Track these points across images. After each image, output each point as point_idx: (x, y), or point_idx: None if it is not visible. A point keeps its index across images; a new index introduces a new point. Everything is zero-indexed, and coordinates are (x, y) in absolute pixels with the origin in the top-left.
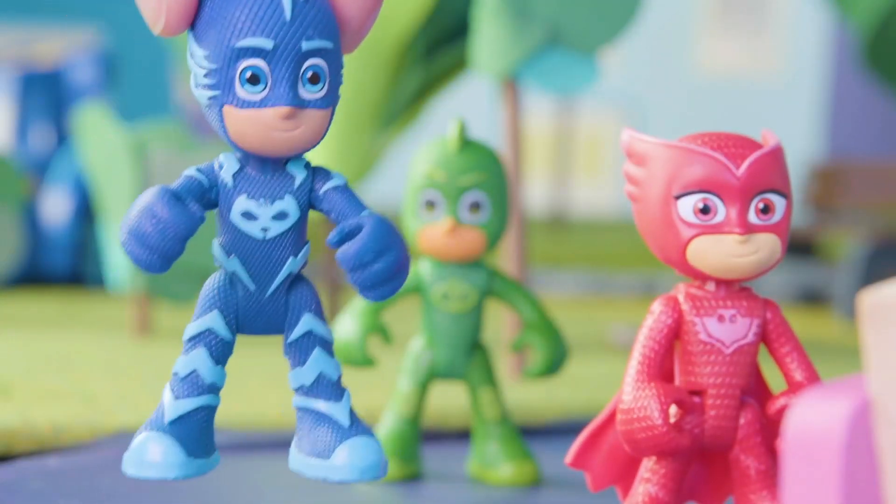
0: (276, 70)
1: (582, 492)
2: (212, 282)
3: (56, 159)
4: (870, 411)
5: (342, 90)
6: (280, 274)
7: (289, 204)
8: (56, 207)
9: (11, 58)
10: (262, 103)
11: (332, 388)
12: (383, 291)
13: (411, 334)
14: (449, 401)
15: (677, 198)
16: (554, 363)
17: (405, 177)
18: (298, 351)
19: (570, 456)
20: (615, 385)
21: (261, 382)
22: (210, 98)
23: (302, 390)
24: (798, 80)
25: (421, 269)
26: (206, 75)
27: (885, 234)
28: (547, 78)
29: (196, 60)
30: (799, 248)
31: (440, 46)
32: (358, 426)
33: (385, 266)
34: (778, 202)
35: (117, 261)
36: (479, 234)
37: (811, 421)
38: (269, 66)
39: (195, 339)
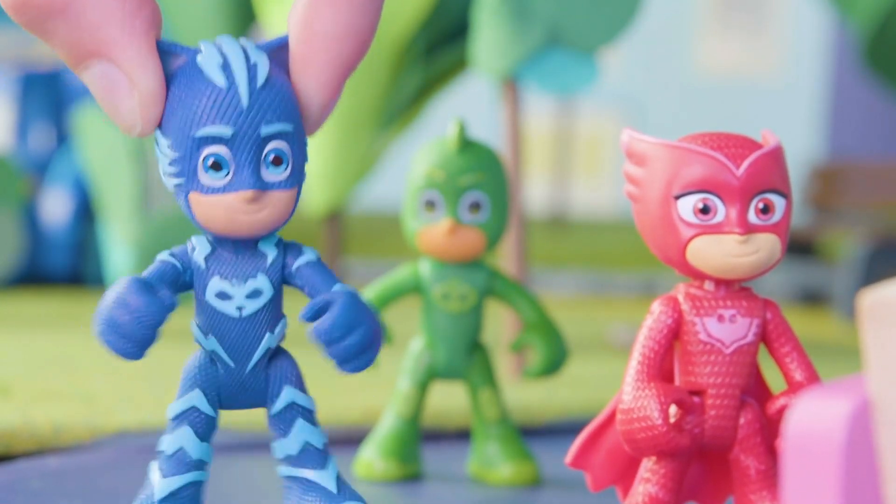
0: (238, 156)
1: (582, 492)
2: (193, 361)
3: (56, 159)
4: (870, 411)
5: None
6: (258, 350)
7: (262, 282)
8: (56, 207)
9: (11, 58)
10: (225, 188)
11: (319, 456)
12: (357, 364)
13: (411, 334)
14: (449, 401)
15: (677, 198)
16: (554, 363)
17: (405, 177)
18: (282, 422)
19: (570, 456)
20: (615, 385)
21: None
22: (176, 185)
23: (289, 460)
24: (798, 80)
25: (421, 269)
26: (170, 163)
27: (885, 234)
28: (547, 78)
29: (161, 149)
30: (799, 248)
31: (440, 46)
32: (346, 492)
33: (357, 340)
34: (778, 202)
35: (117, 260)
36: (478, 234)
37: (811, 421)
38: (231, 152)
39: (180, 417)
